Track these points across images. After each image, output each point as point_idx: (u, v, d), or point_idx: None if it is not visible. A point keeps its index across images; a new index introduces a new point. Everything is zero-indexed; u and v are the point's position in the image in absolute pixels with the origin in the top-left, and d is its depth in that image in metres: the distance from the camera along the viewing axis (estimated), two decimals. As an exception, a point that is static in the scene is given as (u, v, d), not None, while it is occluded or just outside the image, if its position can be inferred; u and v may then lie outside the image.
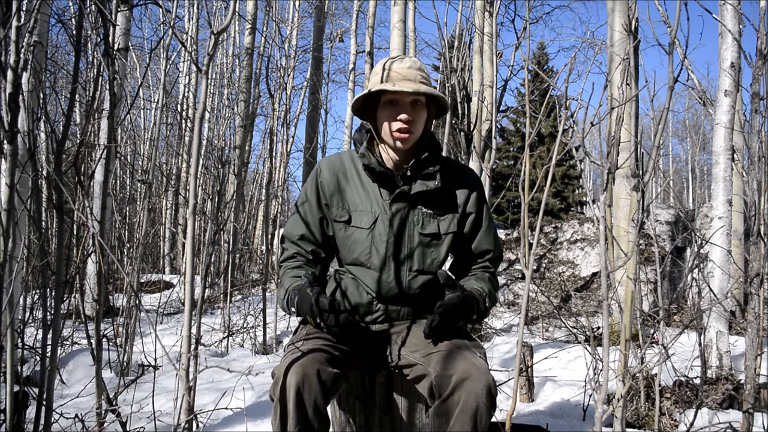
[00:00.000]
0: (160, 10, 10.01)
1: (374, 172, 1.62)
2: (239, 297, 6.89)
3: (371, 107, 1.66)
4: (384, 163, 1.65)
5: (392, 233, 1.62)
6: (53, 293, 1.73)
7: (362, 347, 1.59)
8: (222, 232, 6.51)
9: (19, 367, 2.11)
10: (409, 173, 1.63)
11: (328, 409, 1.47)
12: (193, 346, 1.62)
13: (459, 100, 4.08)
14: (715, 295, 3.25)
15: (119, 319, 3.94)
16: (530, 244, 4.89)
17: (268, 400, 2.69)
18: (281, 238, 1.75)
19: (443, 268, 1.72)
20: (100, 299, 2.11)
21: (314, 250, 1.70)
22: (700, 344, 2.43)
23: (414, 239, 1.63)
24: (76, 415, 1.97)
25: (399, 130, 1.58)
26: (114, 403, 1.85)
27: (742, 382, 2.73)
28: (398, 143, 1.60)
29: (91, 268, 5.12)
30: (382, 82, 1.58)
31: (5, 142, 1.50)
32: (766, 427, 2.19)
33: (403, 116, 1.56)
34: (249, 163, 9.47)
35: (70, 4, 7.79)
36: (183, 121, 11.08)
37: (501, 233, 8.88)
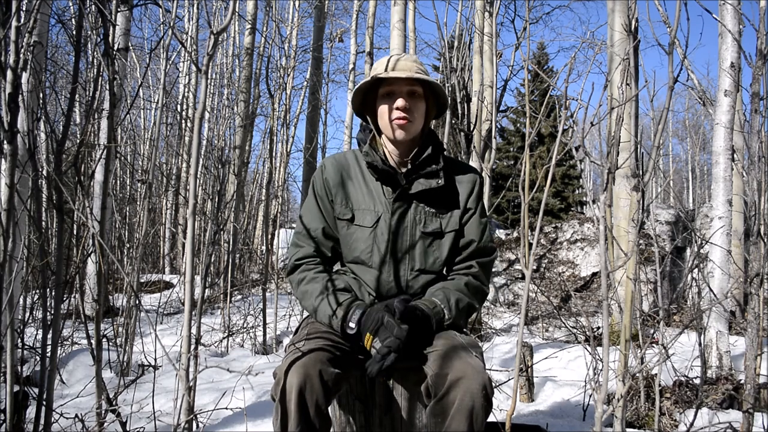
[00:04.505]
0: (160, 10, 10.02)
1: (377, 169, 1.61)
2: (239, 297, 6.89)
3: (371, 105, 1.66)
4: (387, 161, 1.64)
5: (394, 231, 1.61)
6: (53, 293, 1.73)
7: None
8: (222, 232, 6.51)
9: (19, 367, 2.11)
10: (410, 167, 1.62)
11: (329, 409, 1.47)
12: (193, 346, 1.62)
13: (459, 100, 4.08)
14: (715, 295, 3.24)
15: (119, 319, 3.94)
16: (530, 244, 4.89)
17: (268, 400, 2.69)
18: (295, 233, 1.69)
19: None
20: (100, 299, 2.11)
21: (333, 246, 1.67)
22: (700, 344, 2.43)
23: (416, 238, 1.62)
24: (76, 415, 1.97)
25: (397, 118, 1.57)
26: (114, 403, 1.85)
27: (742, 382, 2.72)
28: (397, 133, 1.58)
29: (91, 268, 5.11)
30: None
31: (5, 142, 1.50)
32: (766, 427, 2.19)
33: (399, 102, 1.56)
34: (249, 163, 9.46)
35: (70, 4, 7.78)
36: (183, 121, 11.07)
37: (501, 233, 8.88)
